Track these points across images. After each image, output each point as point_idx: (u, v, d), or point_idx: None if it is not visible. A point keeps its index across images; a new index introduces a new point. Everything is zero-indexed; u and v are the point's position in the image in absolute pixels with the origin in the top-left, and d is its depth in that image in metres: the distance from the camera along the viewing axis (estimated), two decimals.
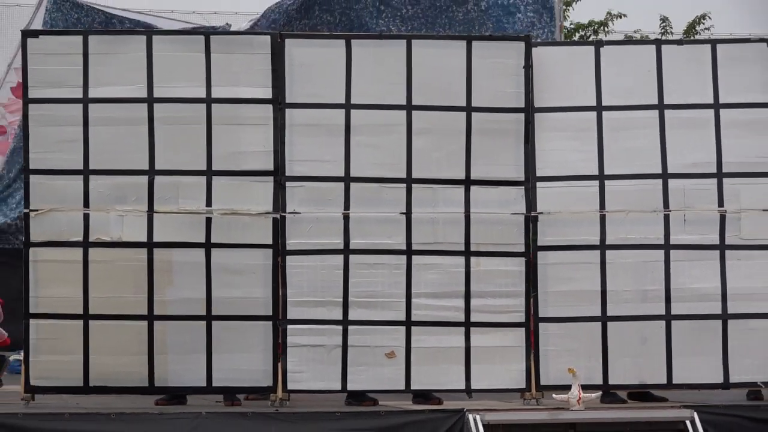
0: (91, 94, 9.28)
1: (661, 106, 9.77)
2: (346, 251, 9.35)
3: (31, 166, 9.31)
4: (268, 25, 14.31)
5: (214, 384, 9.39)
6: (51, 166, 9.31)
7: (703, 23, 26.79)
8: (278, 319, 9.30)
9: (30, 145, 9.41)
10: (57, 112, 9.36)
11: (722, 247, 9.68)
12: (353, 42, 9.68)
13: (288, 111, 9.38)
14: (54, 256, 9.38)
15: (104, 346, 9.29)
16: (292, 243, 9.36)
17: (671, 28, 26.86)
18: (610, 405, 9.58)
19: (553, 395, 9.25)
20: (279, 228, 9.35)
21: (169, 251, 9.32)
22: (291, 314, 9.34)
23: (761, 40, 10.11)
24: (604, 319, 9.58)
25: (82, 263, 9.26)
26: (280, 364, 9.26)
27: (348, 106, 9.46)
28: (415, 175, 9.45)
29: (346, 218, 9.40)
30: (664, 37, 26.45)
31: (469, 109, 9.43)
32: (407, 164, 9.43)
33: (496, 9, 14.39)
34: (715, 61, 9.90)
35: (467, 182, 9.31)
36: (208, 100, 9.35)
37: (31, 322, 9.29)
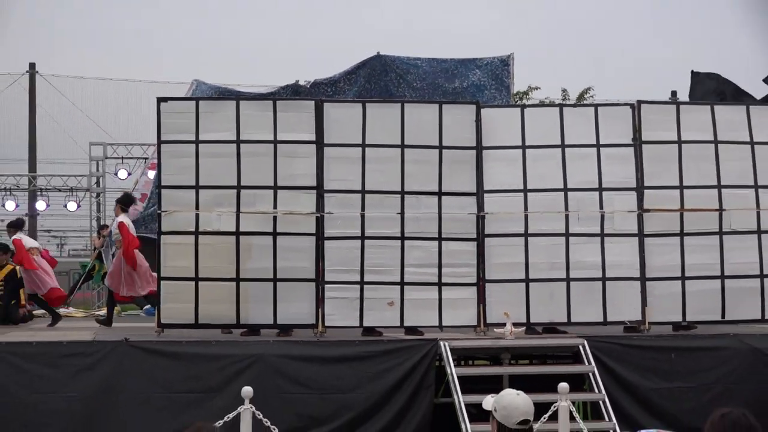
0: (201, 137, 9.71)
1: (563, 146, 10.08)
2: (362, 238, 9.75)
3: (163, 183, 9.95)
4: (317, 91, 14.90)
5: (279, 322, 9.69)
6: (175, 183, 9.79)
7: (589, 93, 28.71)
8: (319, 281, 9.65)
9: (162, 170, 10.02)
10: (179, 149, 9.83)
11: (602, 235, 9.96)
12: (367, 105, 10.24)
13: (325, 148, 9.80)
14: (176, 241, 9.74)
15: (207, 298, 9.57)
16: (328, 232, 9.73)
17: (569, 96, 28.73)
18: (531, 335, 9.94)
19: (494, 330, 9.57)
20: (319, 223, 9.72)
21: (250, 237, 9.65)
22: (327, 278, 9.72)
23: (625, 104, 10.48)
24: (527, 281, 9.87)
25: (194, 245, 9.63)
26: (320, 310, 9.61)
27: (363, 145, 9.84)
28: (406, 189, 9.80)
29: (362, 217, 9.76)
30: (565, 101, 27.14)
31: (440, 147, 9.89)
32: (401, 182, 9.82)
33: (471, 87, 15.15)
34: (597, 117, 10.24)
35: (439, 194, 9.81)
36: (275, 141, 9.76)
37: (162, 282, 9.77)
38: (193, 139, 9.56)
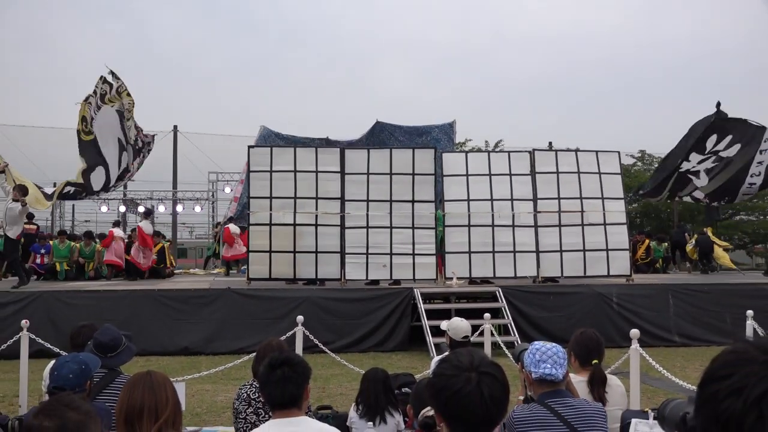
0: (273, 168, 9.72)
1: (489, 174, 10.03)
2: (367, 227, 9.74)
3: (251, 195, 9.88)
4: (347, 142, 14.12)
5: (318, 277, 9.72)
6: (258, 195, 9.76)
7: (501, 142, 26.17)
8: (342, 253, 9.65)
9: (251, 189, 10.00)
10: (260, 176, 9.78)
11: (513, 226, 9.87)
12: (370, 150, 10.27)
13: (347, 177, 9.80)
14: (259, 229, 9.70)
15: (276, 263, 9.58)
16: (347, 224, 9.72)
17: (489, 144, 26.51)
18: (470, 285, 9.85)
19: (446, 282, 9.62)
20: (342, 219, 9.70)
21: (302, 228, 9.64)
22: (347, 251, 9.68)
23: (526, 151, 10.52)
24: (469, 252, 9.79)
25: (269, 232, 9.64)
26: (342, 270, 9.63)
27: (368, 173, 9.82)
28: (393, 198, 9.75)
29: (367, 216, 9.72)
30: (487, 148, 25.73)
31: (413, 174, 9.86)
32: (390, 194, 9.77)
33: (432, 140, 14.64)
34: (509, 158, 10.25)
35: (412, 201, 9.77)
36: (316, 171, 9.77)
37: (250, 254, 9.83)
38: (268, 169, 9.63)
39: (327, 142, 15.17)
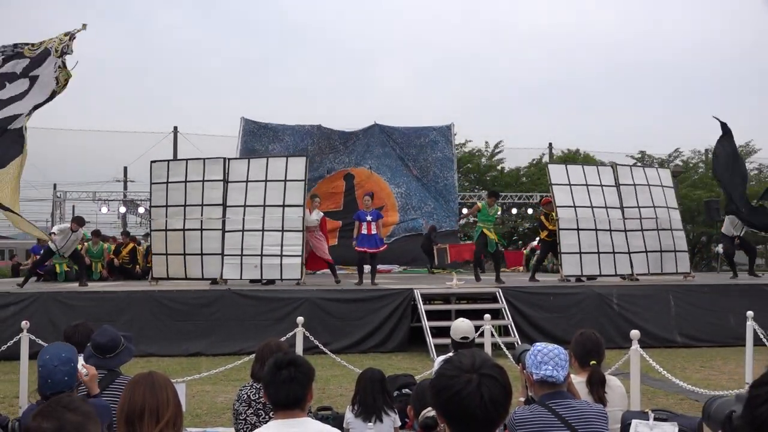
0: (169, 180, 10.22)
1: (587, 185, 10.55)
2: (243, 231, 9.94)
3: (152, 204, 11.92)
4: (340, 132, 14.99)
5: (204, 276, 10.01)
6: (157, 204, 10.30)
7: (501, 143, 25.40)
8: (222, 254, 9.93)
9: (152, 199, 10.64)
10: (158, 188, 10.30)
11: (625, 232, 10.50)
12: (250, 160, 10.66)
13: (229, 185, 10.17)
14: (158, 234, 10.25)
15: (172, 264, 10.01)
16: (227, 228, 10.03)
17: (489, 145, 25.69)
18: (467, 285, 9.72)
19: (446, 282, 9.42)
20: (223, 225, 9.96)
21: (192, 232, 10.04)
22: (226, 252, 9.95)
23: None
24: (580, 253, 10.19)
25: (165, 237, 10.11)
26: (222, 269, 9.81)
27: (246, 181, 10.14)
28: (267, 203, 9.98)
29: (243, 220, 9.97)
30: (487, 149, 24.96)
31: (285, 181, 10.07)
32: (264, 200, 10.04)
33: (431, 142, 15.10)
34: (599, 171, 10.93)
35: (283, 206, 9.94)
36: (203, 181, 10.15)
37: (153, 257, 10.45)
38: (165, 181, 10.18)
39: (319, 129, 15.32)
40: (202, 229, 10.01)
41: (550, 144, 26.65)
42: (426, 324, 8.38)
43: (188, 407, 5.00)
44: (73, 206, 24.16)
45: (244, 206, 10.01)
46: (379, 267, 13.60)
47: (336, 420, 3.62)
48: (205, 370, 6.36)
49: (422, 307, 8.65)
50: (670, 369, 5.34)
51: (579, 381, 2.91)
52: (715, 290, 9.61)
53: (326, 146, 15.31)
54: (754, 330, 5.64)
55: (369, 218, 9.73)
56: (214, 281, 9.83)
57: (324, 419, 3.35)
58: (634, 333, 4.45)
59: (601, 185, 10.58)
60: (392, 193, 15.59)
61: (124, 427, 1.98)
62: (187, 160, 10.59)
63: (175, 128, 22.22)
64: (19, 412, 4.92)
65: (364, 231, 9.75)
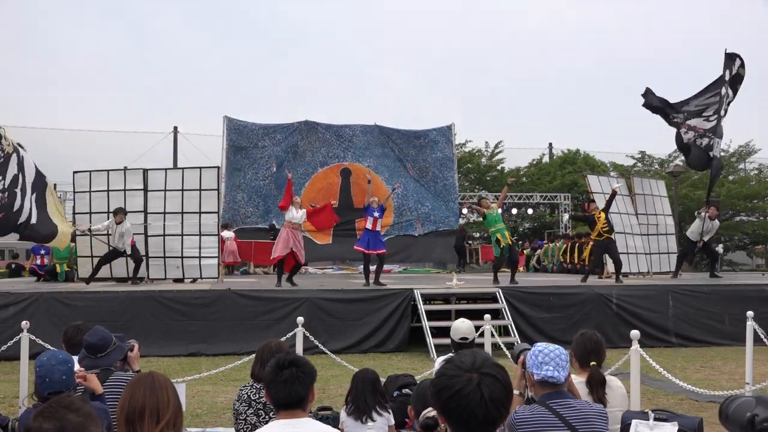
0: (92, 189, 11.07)
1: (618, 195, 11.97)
2: (164, 235, 10.75)
3: (75, 211, 12.88)
4: (326, 125, 15.51)
5: (130, 275, 10.65)
6: (80, 211, 12.99)
7: (501, 143, 25.68)
8: (147, 256, 10.66)
9: (75, 206, 12.57)
10: (81, 196, 11.18)
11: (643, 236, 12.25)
12: (167, 171, 11.09)
13: (149, 193, 10.92)
14: (83, 238, 10.93)
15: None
16: (149, 233, 10.77)
17: (489, 145, 25.82)
18: (469, 283, 9.78)
19: (446, 282, 9.47)
20: (146, 230, 10.26)
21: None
22: (150, 255, 10.77)
23: None
24: (636, 253, 12.10)
25: (90, 240, 11.02)
26: (148, 270, 10.67)
27: (165, 190, 10.93)
28: (185, 210, 10.79)
29: (164, 226, 10.79)
30: (487, 149, 25.39)
31: (200, 191, 10.85)
32: (181, 207, 10.85)
33: (431, 142, 15.29)
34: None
35: (200, 213, 10.80)
36: (125, 190, 10.89)
37: (78, 258, 11.24)
38: (88, 190, 10.88)
39: (306, 124, 15.55)
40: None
41: (550, 144, 26.67)
42: (426, 324, 8.36)
43: (188, 407, 5.00)
44: (74, 206, 24.12)
45: (164, 213, 10.84)
46: None
47: (336, 420, 3.62)
48: (205, 370, 6.35)
49: (422, 307, 8.64)
50: (670, 369, 5.33)
51: (579, 381, 2.91)
52: (713, 290, 9.59)
53: (315, 139, 15.53)
54: (754, 330, 5.62)
55: (376, 214, 9.58)
56: (140, 280, 10.48)
57: (324, 419, 3.36)
58: (634, 333, 4.44)
59: (622, 195, 11.78)
60: (389, 193, 15.54)
61: (124, 427, 1.97)
62: (108, 171, 11.25)
63: (175, 128, 22.30)
64: (19, 412, 4.95)
65: (369, 226, 9.54)
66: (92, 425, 1.58)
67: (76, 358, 2.86)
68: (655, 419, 2.78)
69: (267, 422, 2.47)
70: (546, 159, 27.16)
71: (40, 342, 5.77)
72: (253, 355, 3.39)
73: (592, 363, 3.00)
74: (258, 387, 3.07)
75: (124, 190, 10.83)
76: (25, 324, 5.69)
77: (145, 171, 11.04)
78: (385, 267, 14.11)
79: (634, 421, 2.83)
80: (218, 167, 11.48)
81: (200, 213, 10.80)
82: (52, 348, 5.56)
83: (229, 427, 3.71)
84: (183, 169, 11.70)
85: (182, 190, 10.88)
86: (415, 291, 8.93)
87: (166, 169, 11.44)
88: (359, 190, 15.08)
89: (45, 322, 7.96)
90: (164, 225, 10.77)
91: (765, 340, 5.73)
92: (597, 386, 2.93)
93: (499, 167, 25.60)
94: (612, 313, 9.10)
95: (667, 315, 9.21)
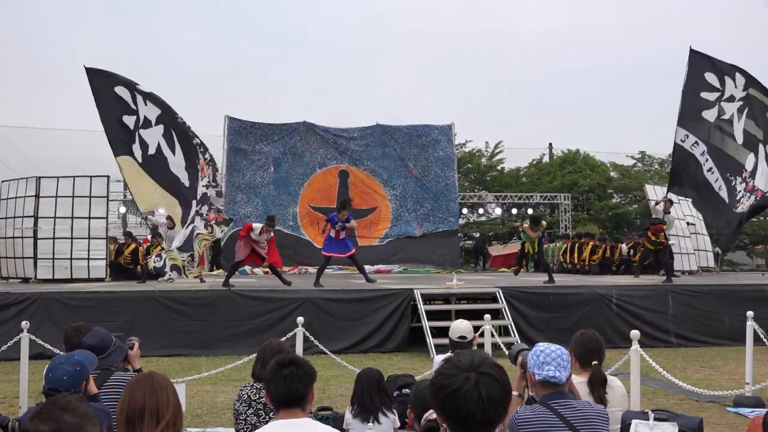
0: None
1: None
2: (54, 239, 11.48)
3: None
4: (323, 127, 15.67)
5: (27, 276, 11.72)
6: None
7: (501, 143, 25.38)
8: (35, 258, 11.67)
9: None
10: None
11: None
12: (59, 179, 11.87)
13: (41, 199, 11.80)
14: None
15: (7, 266, 12.11)
16: (39, 236, 11.95)
17: (489, 145, 25.61)
18: (469, 283, 9.78)
19: (446, 282, 9.42)
20: (35, 234, 11.67)
21: (16, 240, 11.80)
22: (39, 256, 11.82)
23: None
24: (687, 253, 14.30)
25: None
26: (35, 271, 11.57)
27: (56, 198, 11.82)
28: (75, 216, 11.65)
29: (53, 230, 11.64)
30: (487, 149, 25.03)
31: (90, 198, 11.77)
32: (71, 219, 11.68)
33: (432, 141, 15.34)
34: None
35: (89, 219, 11.74)
36: (15, 198, 11.90)
37: None
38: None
39: (304, 125, 15.59)
40: (23, 237, 11.59)
41: (550, 144, 26.61)
42: (426, 324, 8.36)
43: (188, 407, 5.00)
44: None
45: (54, 217, 11.58)
46: (380, 267, 13.99)
47: (336, 420, 3.61)
48: (205, 370, 6.35)
49: (422, 307, 8.63)
50: (670, 369, 5.34)
51: (580, 381, 2.91)
52: (713, 291, 9.57)
53: (314, 140, 15.60)
54: (754, 330, 5.62)
55: (338, 226, 9.84)
56: (26, 280, 11.34)
57: (324, 419, 3.35)
58: (634, 333, 4.44)
59: (655, 200, 12.31)
60: (386, 195, 15.62)
61: (124, 428, 1.97)
62: (9, 180, 12.18)
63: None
64: (19, 413, 4.97)
65: (333, 234, 9.88)
66: (89, 425, 1.57)
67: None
68: (655, 419, 2.78)
69: (267, 422, 2.46)
70: (546, 159, 27.12)
71: (40, 342, 5.78)
72: (254, 356, 3.37)
73: (594, 363, 2.99)
74: (258, 387, 3.06)
75: (15, 198, 11.68)
76: (25, 324, 5.69)
77: (38, 179, 11.80)
78: (385, 267, 14.35)
79: (634, 421, 2.83)
80: (108, 176, 12.05)
81: (90, 218, 11.57)
82: (52, 348, 5.70)
83: (229, 428, 3.70)
84: (74, 177, 12.16)
85: (73, 196, 11.62)
86: (415, 291, 8.92)
87: (57, 178, 12.02)
88: (357, 192, 15.21)
89: (45, 322, 7.96)
90: (54, 229, 11.45)
91: (765, 340, 5.74)
92: (598, 386, 2.93)
93: (499, 167, 25.53)
94: (612, 313, 9.08)
95: (667, 315, 9.20)
